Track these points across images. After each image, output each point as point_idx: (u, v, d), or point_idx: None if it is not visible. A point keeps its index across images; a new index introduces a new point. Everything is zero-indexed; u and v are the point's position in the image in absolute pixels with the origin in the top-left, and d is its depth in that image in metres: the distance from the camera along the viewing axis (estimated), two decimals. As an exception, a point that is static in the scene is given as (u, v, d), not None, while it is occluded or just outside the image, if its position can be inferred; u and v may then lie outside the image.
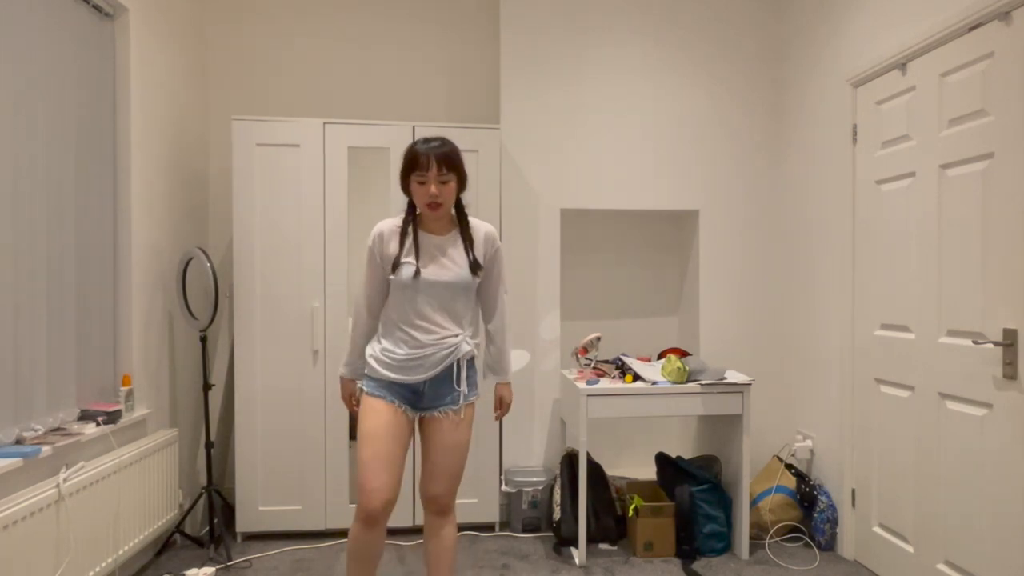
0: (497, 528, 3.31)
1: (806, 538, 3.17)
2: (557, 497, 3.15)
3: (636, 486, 3.29)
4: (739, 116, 3.57)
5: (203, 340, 3.07)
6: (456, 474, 2.14)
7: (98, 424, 2.43)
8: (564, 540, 3.07)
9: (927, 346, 2.51)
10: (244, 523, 3.14)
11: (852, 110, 2.96)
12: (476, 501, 3.27)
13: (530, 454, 3.45)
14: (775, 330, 3.59)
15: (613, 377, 3.09)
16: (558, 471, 3.27)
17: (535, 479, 3.30)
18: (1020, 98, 2.10)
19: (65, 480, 2.17)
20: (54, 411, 2.34)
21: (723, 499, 3.06)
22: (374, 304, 2.15)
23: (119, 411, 2.53)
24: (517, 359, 3.44)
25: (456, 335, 2.08)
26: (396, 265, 2.04)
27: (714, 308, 3.55)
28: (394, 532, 3.28)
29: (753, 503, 3.19)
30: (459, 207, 2.13)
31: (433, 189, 1.99)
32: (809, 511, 3.12)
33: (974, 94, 2.28)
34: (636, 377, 3.03)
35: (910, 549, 2.61)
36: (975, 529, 2.28)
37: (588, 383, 2.93)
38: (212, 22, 3.61)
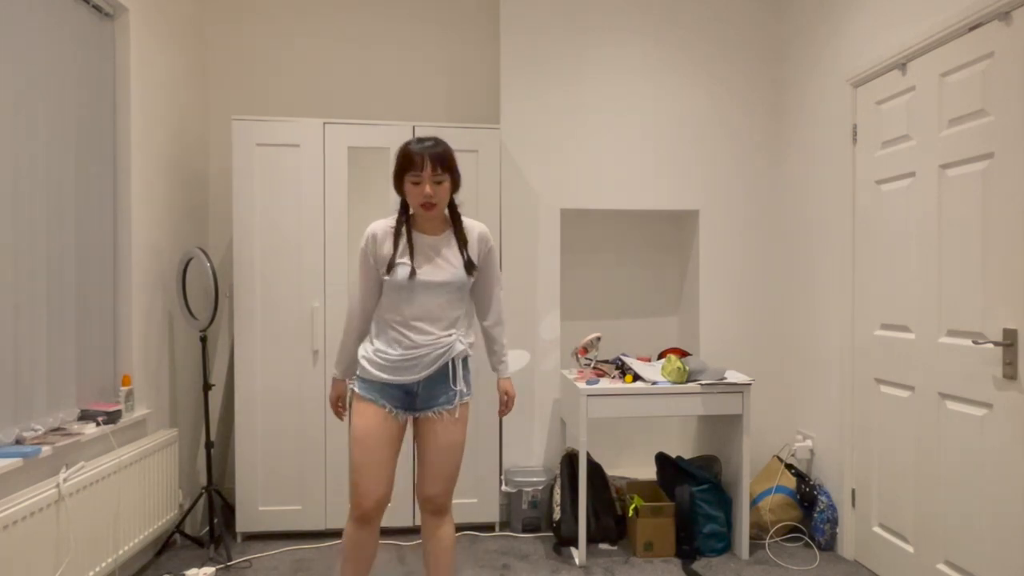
0: (497, 528, 3.31)
1: (806, 538, 3.17)
2: (557, 497, 3.15)
3: (636, 486, 3.29)
4: (739, 116, 3.57)
5: (203, 340, 3.07)
6: (452, 474, 2.14)
7: (98, 424, 2.43)
8: (564, 540, 3.07)
9: (927, 346, 2.51)
10: (244, 523, 3.14)
11: (852, 110, 2.96)
12: (476, 501, 3.27)
13: (530, 454, 3.45)
14: (775, 330, 3.59)
15: (613, 377, 3.09)
16: (558, 471, 3.27)
17: (535, 479, 3.30)
18: (1020, 98, 2.10)
19: (65, 480, 2.17)
20: (54, 411, 2.34)
21: (723, 499, 3.06)
22: (367, 305, 2.14)
23: (119, 411, 2.53)
24: (517, 359, 3.44)
25: (450, 335, 2.08)
26: (391, 266, 2.03)
27: (714, 308, 3.55)
28: (394, 532, 3.28)
29: (753, 503, 3.19)
30: (452, 207, 2.13)
31: (427, 189, 1.99)
32: (809, 511, 3.12)
33: (974, 94, 2.28)
34: (636, 377, 3.03)
35: (910, 549, 2.61)
36: (975, 529, 2.28)
37: (588, 383, 2.93)
38: (212, 22, 3.61)
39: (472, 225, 2.16)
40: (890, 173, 2.72)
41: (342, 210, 3.17)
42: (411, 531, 3.29)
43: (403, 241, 2.06)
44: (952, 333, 2.39)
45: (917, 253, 2.56)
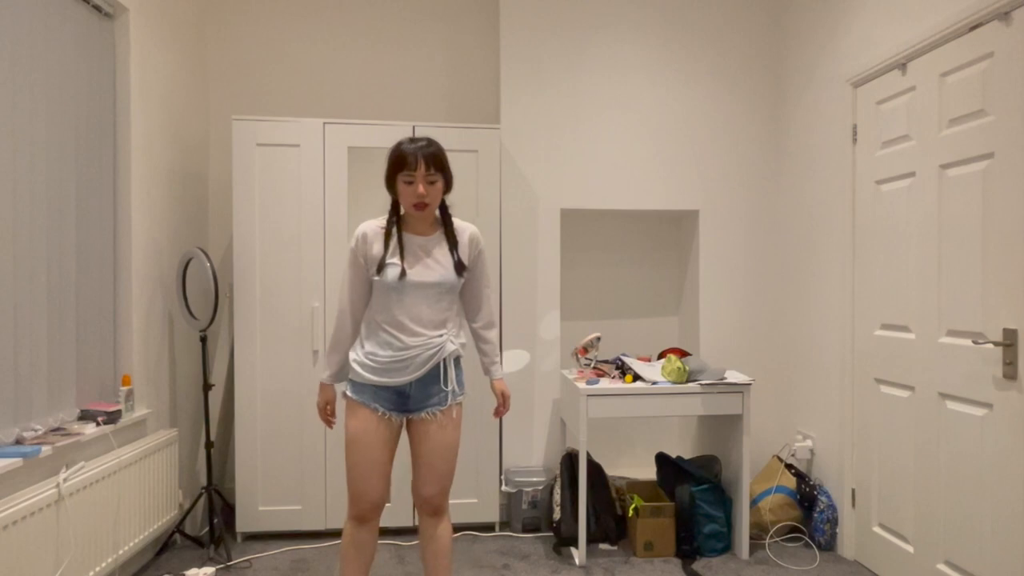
0: (497, 528, 3.31)
1: (806, 538, 3.17)
2: (557, 497, 3.15)
3: (636, 486, 3.29)
4: (739, 116, 3.57)
5: (203, 340, 3.07)
6: (447, 475, 2.13)
7: (98, 424, 2.43)
8: (564, 540, 3.07)
9: (927, 346, 2.51)
10: (244, 523, 3.14)
11: (852, 110, 2.96)
12: (476, 501, 3.27)
13: (530, 454, 3.45)
14: (775, 330, 3.59)
15: (613, 377, 3.09)
16: (558, 471, 3.27)
17: (535, 479, 3.30)
18: (1020, 98, 2.10)
19: (65, 480, 2.17)
20: (54, 411, 2.34)
21: (723, 499, 3.06)
22: (357, 307, 2.12)
23: (119, 411, 2.53)
24: (517, 359, 3.44)
25: (441, 335, 2.07)
26: (381, 266, 2.02)
27: (714, 308, 3.55)
28: (394, 532, 3.28)
29: (753, 503, 3.19)
30: (443, 208, 2.12)
31: (420, 189, 1.99)
32: (809, 511, 3.12)
33: (974, 94, 2.28)
34: (636, 377, 3.03)
35: (910, 549, 2.61)
36: (975, 529, 2.28)
37: (588, 383, 2.93)
38: (212, 22, 3.61)
39: (463, 226, 2.15)
40: (890, 173, 2.72)
41: (342, 210, 3.17)
42: (411, 531, 3.29)
43: (393, 241, 2.06)
44: (952, 333, 2.39)
45: (917, 253, 2.56)
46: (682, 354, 3.32)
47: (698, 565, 2.93)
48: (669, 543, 3.00)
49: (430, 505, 2.13)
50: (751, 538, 3.14)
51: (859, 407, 2.93)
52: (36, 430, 2.22)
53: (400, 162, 2.00)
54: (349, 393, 2.09)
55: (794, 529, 3.18)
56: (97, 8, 2.60)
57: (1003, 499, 2.16)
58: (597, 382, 2.95)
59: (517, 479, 3.30)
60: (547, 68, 3.47)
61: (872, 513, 2.84)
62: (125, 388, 2.61)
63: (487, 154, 3.24)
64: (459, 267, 2.08)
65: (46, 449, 2.12)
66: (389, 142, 3.19)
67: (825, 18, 3.16)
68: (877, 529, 2.81)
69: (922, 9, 2.51)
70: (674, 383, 2.94)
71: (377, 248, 2.06)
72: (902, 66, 2.65)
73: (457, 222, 2.15)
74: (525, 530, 3.28)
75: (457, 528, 3.31)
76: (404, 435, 3.21)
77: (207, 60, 3.59)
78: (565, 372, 3.27)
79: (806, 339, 3.33)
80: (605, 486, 3.20)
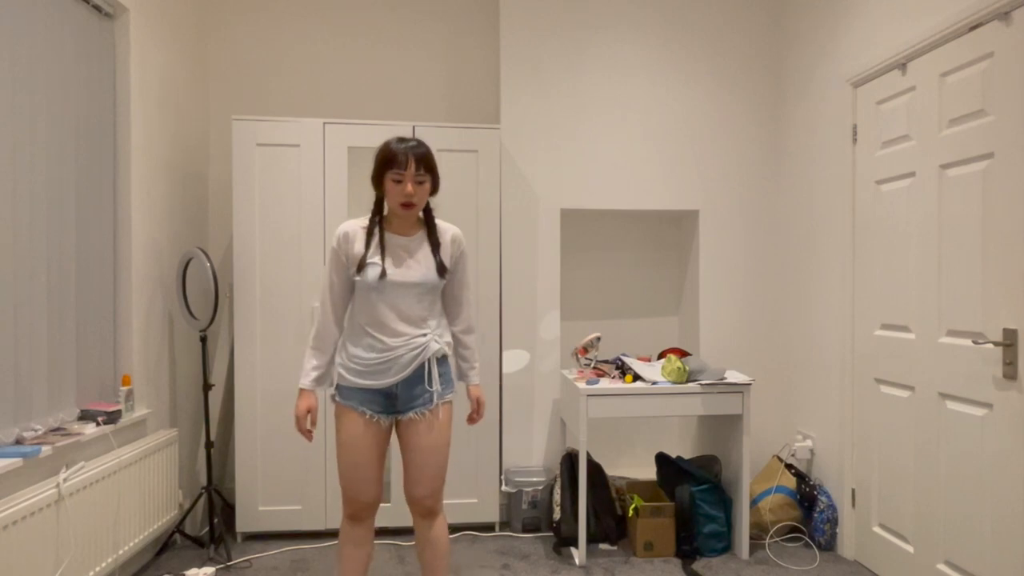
0: (497, 528, 3.31)
1: (806, 538, 3.17)
2: (557, 497, 3.15)
3: (636, 486, 3.29)
4: (739, 116, 3.57)
5: (203, 340, 3.07)
6: (437, 475, 2.11)
7: (98, 424, 2.43)
8: (564, 540, 3.07)
9: (927, 346, 2.51)
10: (244, 523, 3.14)
11: (852, 110, 2.96)
12: (476, 501, 3.27)
13: (530, 454, 3.45)
14: (775, 330, 3.59)
15: (613, 377, 3.09)
16: (558, 471, 3.27)
17: (535, 479, 3.30)
18: (1020, 98, 2.10)
19: (65, 480, 2.17)
20: (54, 411, 2.34)
21: (723, 499, 3.06)
22: (338, 308, 2.10)
23: (119, 411, 2.53)
24: (517, 359, 3.44)
25: (424, 334, 2.07)
26: (361, 266, 2.02)
27: (714, 308, 3.55)
28: (394, 532, 3.28)
29: (753, 503, 3.19)
30: (427, 210, 2.12)
31: (409, 188, 1.99)
32: (809, 511, 3.12)
33: (974, 94, 2.28)
34: (636, 377, 3.03)
35: (910, 549, 2.61)
36: (975, 529, 2.28)
37: (588, 383, 2.93)
38: (212, 22, 3.61)
39: (445, 227, 2.15)
40: (890, 173, 2.72)
41: (342, 210, 3.17)
42: (410, 531, 3.29)
43: (375, 241, 2.05)
44: (952, 333, 2.39)
45: (917, 253, 2.56)
46: (682, 354, 3.32)
47: (698, 565, 2.93)
48: (669, 543, 3.00)
49: (422, 506, 2.12)
50: (751, 538, 3.14)
51: (859, 407, 2.93)
52: (36, 430, 2.22)
53: (390, 160, 2.00)
54: (338, 398, 2.08)
55: (794, 529, 3.18)
56: (97, 8, 2.60)
57: (1003, 499, 2.16)
58: (597, 382, 2.95)
59: (517, 479, 3.30)
60: (547, 68, 3.47)
61: (872, 513, 2.84)
62: (125, 388, 2.61)
63: (487, 154, 3.24)
64: (441, 269, 2.08)
65: (46, 449, 2.12)
66: (389, 142, 3.18)
67: (825, 18, 3.16)
68: (877, 529, 2.81)
69: (922, 9, 2.51)
70: (674, 383, 2.94)
71: (359, 247, 2.05)
72: (902, 66, 2.65)
73: (440, 223, 2.14)
74: (525, 530, 3.28)
75: (457, 528, 3.31)
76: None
77: (207, 60, 3.59)
78: (565, 372, 3.27)
79: (806, 339, 3.33)
80: (605, 486, 3.20)
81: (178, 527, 2.99)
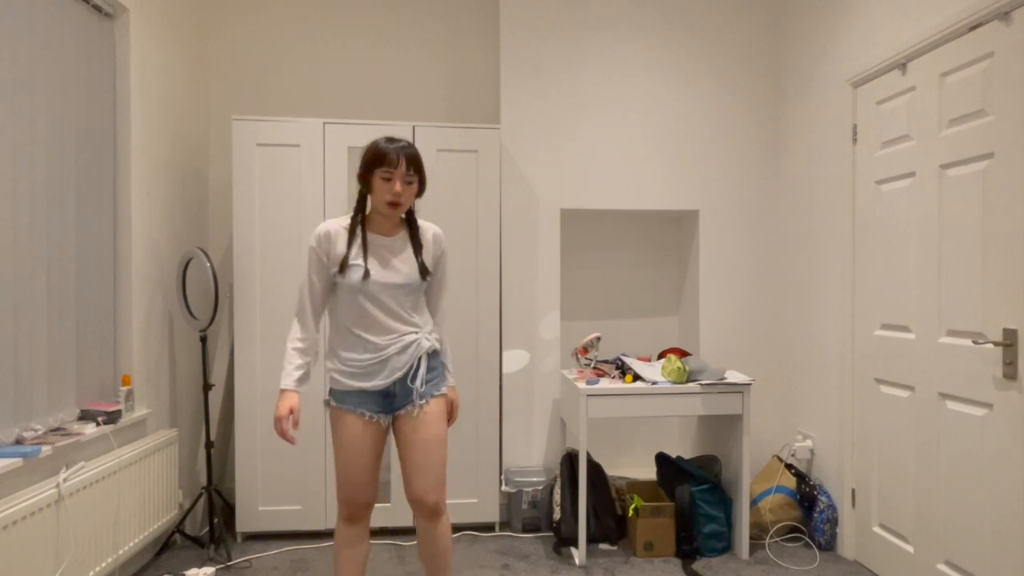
0: (497, 528, 3.31)
1: (806, 538, 3.17)
2: (557, 497, 3.15)
3: (636, 486, 3.29)
4: (739, 116, 3.57)
5: (203, 340, 3.07)
6: (435, 469, 2.08)
7: (98, 424, 2.43)
8: (564, 540, 3.07)
9: (927, 346, 2.51)
10: (244, 523, 3.14)
11: (852, 110, 2.96)
12: (476, 501, 3.27)
13: (530, 454, 3.45)
14: (775, 330, 3.59)
15: (613, 377, 3.09)
16: (558, 471, 3.27)
17: (535, 479, 3.30)
18: (1020, 98, 2.10)
19: (65, 480, 2.17)
20: (54, 411, 2.34)
21: (723, 499, 3.06)
22: (316, 308, 2.08)
23: (119, 411, 2.53)
24: (517, 359, 3.44)
25: (415, 332, 2.07)
26: (344, 266, 2.01)
27: (714, 308, 3.55)
28: (394, 532, 3.28)
29: (753, 503, 3.19)
30: (409, 210, 2.13)
31: (398, 187, 1.99)
32: (809, 511, 3.12)
33: (974, 94, 2.28)
34: (636, 377, 3.03)
35: (910, 549, 2.61)
36: (975, 529, 2.28)
37: (588, 383, 2.93)
38: (212, 22, 3.61)
39: (427, 227, 2.16)
40: (890, 173, 2.72)
41: (342, 210, 3.17)
42: (410, 531, 3.29)
43: (357, 241, 2.05)
44: (952, 333, 2.39)
45: (917, 253, 2.56)
46: (682, 354, 3.32)
47: (698, 565, 2.93)
48: (669, 543, 3.00)
49: (424, 505, 2.08)
50: (751, 538, 3.14)
51: (859, 407, 2.93)
52: (36, 430, 2.22)
53: (380, 158, 1.99)
54: (332, 403, 2.07)
55: (794, 529, 3.18)
56: (97, 8, 2.60)
57: (1003, 499, 2.16)
58: (597, 382, 2.95)
59: (517, 479, 3.30)
60: (547, 68, 3.47)
61: (872, 513, 2.84)
62: (125, 388, 2.61)
63: (487, 154, 3.24)
64: (423, 271, 2.08)
65: (46, 449, 2.12)
66: (389, 142, 3.18)
67: (825, 18, 3.16)
68: (877, 529, 2.81)
69: (922, 9, 2.51)
70: (674, 383, 2.94)
71: (341, 247, 2.04)
72: (902, 66, 2.65)
73: (422, 223, 2.15)
74: (525, 530, 3.28)
75: (457, 528, 3.31)
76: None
77: (207, 60, 3.59)
78: (565, 372, 3.27)
79: (806, 339, 3.33)
80: (605, 486, 3.20)
81: (178, 527, 2.99)
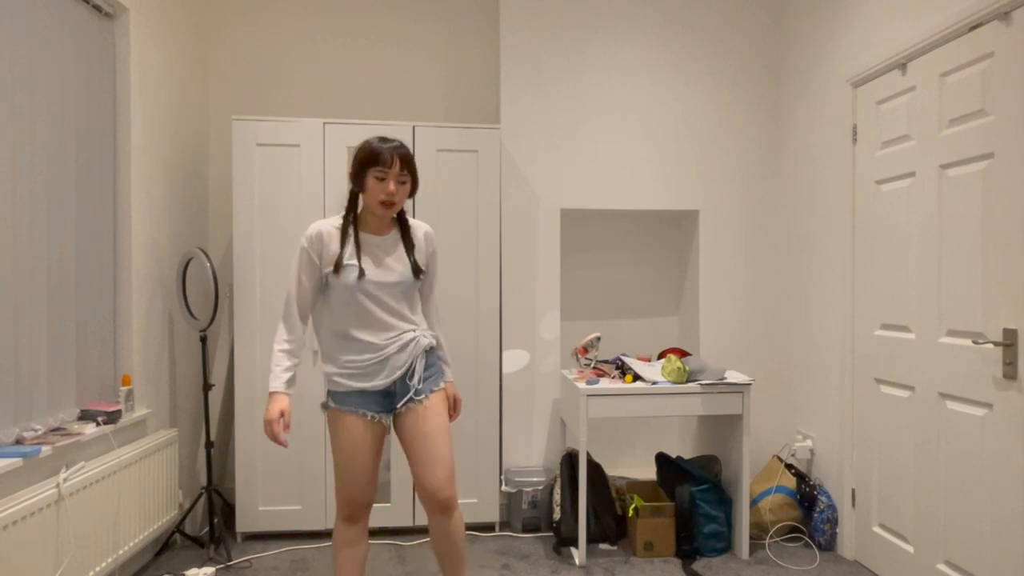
0: (497, 528, 3.31)
1: (806, 538, 3.17)
2: (557, 497, 3.15)
3: (636, 486, 3.29)
4: (739, 116, 3.57)
5: (203, 340, 3.07)
6: (444, 462, 2.07)
7: (98, 424, 2.43)
8: (564, 540, 3.07)
9: (927, 346, 2.51)
10: (244, 523, 3.14)
11: (852, 110, 2.96)
12: (476, 501, 3.27)
13: (530, 454, 3.45)
14: (775, 330, 3.59)
15: (613, 377, 3.09)
16: (558, 471, 3.27)
17: (535, 479, 3.30)
18: (1020, 98, 2.10)
19: (65, 480, 2.17)
20: (54, 411, 2.34)
21: (723, 499, 3.06)
22: (304, 309, 2.07)
23: (119, 411, 2.53)
24: (517, 359, 3.44)
25: (412, 330, 2.08)
26: (338, 266, 2.01)
27: (714, 308, 3.55)
28: (394, 532, 3.28)
29: (753, 503, 3.19)
30: (400, 210, 2.14)
31: (391, 187, 1.99)
32: (809, 511, 3.12)
33: (974, 94, 2.28)
34: (636, 377, 3.03)
35: (910, 549, 2.61)
36: (975, 529, 2.28)
37: (588, 383, 2.93)
38: (212, 22, 3.61)
39: (418, 225, 2.17)
40: (890, 173, 2.72)
41: (342, 210, 3.17)
42: (411, 531, 3.29)
43: (350, 242, 2.05)
44: (952, 333, 2.39)
45: (917, 253, 2.56)
46: (682, 354, 3.32)
47: (698, 565, 2.93)
48: (669, 543, 3.00)
49: (437, 500, 2.07)
50: (751, 538, 3.14)
51: (859, 407, 2.93)
52: (36, 430, 2.22)
53: (374, 158, 1.99)
54: (331, 404, 2.07)
55: (794, 529, 3.18)
56: (97, 8, 2.60)
57: (1003, 499, 2.16)
58: (597, 382, 2.95)
59: (517, 479, 3.30)
60: (547, 68, 3.47)
61: (872, 513, 2.84)
62: (125, 388, 2.61)
63: (487, 154, 3.24)
64: (416, 269, 2.09)
65: (46, 449, 2.12)
66: (389, 142, 3.18)
67: (825, 18, 3.16)
68: (877, 529, 2.81)
69: (922, 9, 2.51)
70: (674, 383, 2.94)
71: (334, 247, 2.04)
72: (902, 66, 2.65)
73: (412, 222, 2.16)
74: (525, 530, 3.28)
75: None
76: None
77: (207, 60, 3.59)
78: (565, 372, 3.27)
79: (806, 339, 3.33)
80: (605, 486, 3.20)
81: (178, 527, 2.99)
